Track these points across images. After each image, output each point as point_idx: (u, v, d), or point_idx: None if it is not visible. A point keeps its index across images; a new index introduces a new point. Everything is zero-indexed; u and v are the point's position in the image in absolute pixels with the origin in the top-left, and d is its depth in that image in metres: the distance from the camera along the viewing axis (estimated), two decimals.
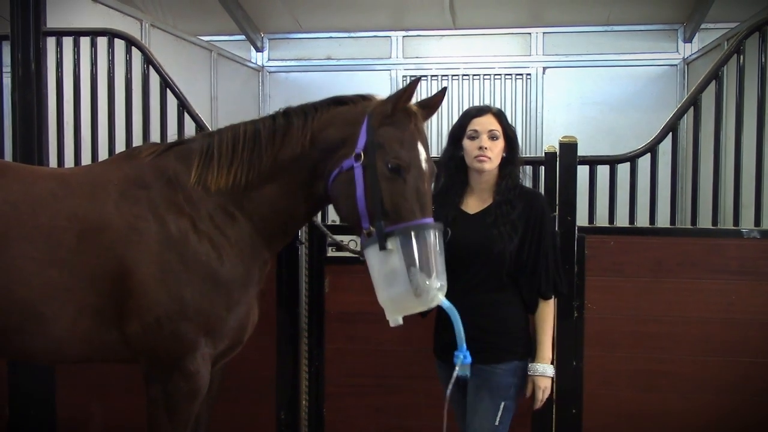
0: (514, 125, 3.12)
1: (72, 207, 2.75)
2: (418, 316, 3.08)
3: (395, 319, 2.57)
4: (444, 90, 2.82)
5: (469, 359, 2.60)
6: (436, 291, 2.50)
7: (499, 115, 3.02)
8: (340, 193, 2.69)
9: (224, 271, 2.75)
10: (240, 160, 2.79)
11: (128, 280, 2.69)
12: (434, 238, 2.54)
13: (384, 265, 2.53)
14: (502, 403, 2.91)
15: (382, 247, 2.52)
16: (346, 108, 2.78)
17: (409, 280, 2.47)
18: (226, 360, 3.00)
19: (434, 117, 7.56)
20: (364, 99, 2.79)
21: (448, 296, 2.94)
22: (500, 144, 2.98)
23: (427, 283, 2.47)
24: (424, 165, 2.66)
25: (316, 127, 2.75)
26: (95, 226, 2.72)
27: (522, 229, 2.95)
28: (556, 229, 3.65)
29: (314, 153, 2.75)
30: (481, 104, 3.11)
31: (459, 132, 3.04)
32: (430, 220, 2.59)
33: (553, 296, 3.03)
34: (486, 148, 2.94)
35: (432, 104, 2.80)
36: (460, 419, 3.12)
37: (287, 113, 2.84)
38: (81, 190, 2.80)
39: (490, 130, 2.96)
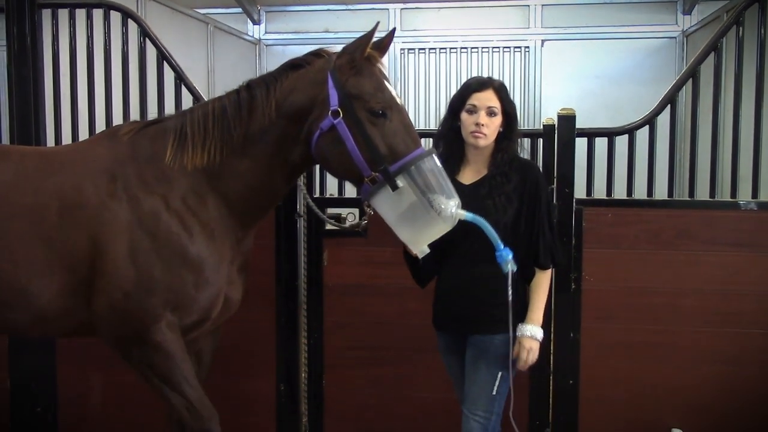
0: (512, 99, 3.11)
1: (54, 185, 2.78)
2: (417, 288, 3.14)
3: (422, 249, 2.65)
4: (393, 31, 2.82)
5: (510, 254, 2.69)
6: (456, 207, 2.57)
7: (500, 90, 3.00)
8: (330, 153, 2.69)
9: (194, 251, 2.76)
10: (212, 138, 2.78)
11: (100, 258, 2.71)
12: (436, 163, 2.60)
13: (399, 204, 2.58)
14: (500, 374, 2.94)
15: (395, 187, 2.56)
16: (304, 70, 2.78)
17: (430, 206, 2.53)
18: (194, 335, 2.99)
19: (432, 89, 7.59)
20: (317, 56, 2.79)
21: (444, 267, 3.06)
22: (498, 120, 2.98)
23: (444, 204, 2.54)
24: (399, 101, 2.70)
25: (279, 96, 2.75)
26: (73, 203, 2.75)
27: (517, 201, 2.96)
28: (554, 201, 3.66)
29: (283, 121, 2.76)
30: (484, 77, 3.10)
31: (458, 104, 3.03)
32: (423, 148, 2.64)
33: (550, 267, 3.05)
34: (482, 125, 2.94)
35: (383, 45, 2.79)
36: (458, 389, 3.15)
37: (250, 86, 2.83)
38: (63, 168, 2.83)
39: (489, 107, 2.95)
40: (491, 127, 2.96)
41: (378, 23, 2.70)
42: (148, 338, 2.75)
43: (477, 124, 2.94)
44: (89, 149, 2.93)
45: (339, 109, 2.63)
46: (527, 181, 2.98)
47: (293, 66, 2.81)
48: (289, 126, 2.76)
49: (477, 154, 3.05)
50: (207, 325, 2.98)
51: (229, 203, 2.83)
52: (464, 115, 3.00)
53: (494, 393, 2.95)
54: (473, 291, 2.99)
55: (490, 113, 2.96)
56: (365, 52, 2.68)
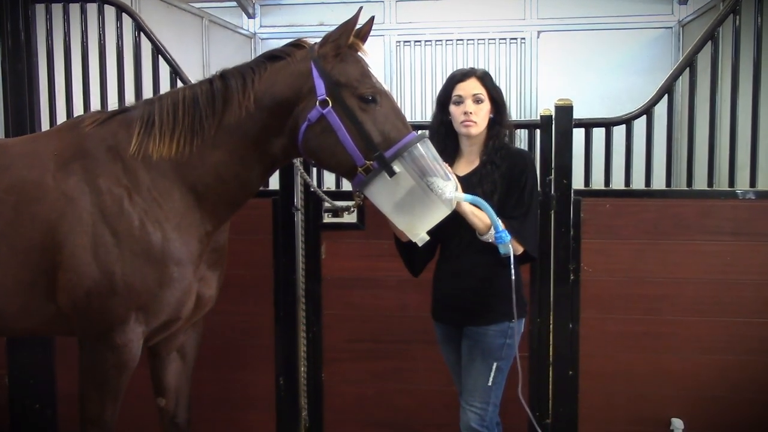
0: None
1: (10, 178, 2.69)
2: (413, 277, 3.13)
3: (422, 237, 2.60)
4: (373, 18, 2.77)
5: (509, 237, 2.68)
6: (454, 189, 2.56)
7: (484, 78, 3.01)
8: (319, 145, 2.62)
9: (158, 247, 2.65)
10: (182, 127, 2.69)
11: (59, 253, 2.62)
12: (430, 146, 2.58)
13: (396, 191, 2.54)
14: (495, 364, 2.94)
15: (392, 173, 2.51)
16: (285, 62, 2.69)
17: (429, 189, 2.51)
18: (165, 335, 2.93)
19: (428, 82, 7.55)
20: (297, 47, 2.73)
21: (440, 257, 3.09)
22: (486, 107, 2.98)
23: (443, 187, 2.51)
24: (385, 87, 2.66)
25: (258, 88, 2.67)
26: (31, 197, 2.65)
27: (501, 189, 2.93)
28: (552, 192, 3.65)
29: (263, 113, 2.67)
30: (467, 68, 3.09)
31: (445, 97, 3.05)
32: (415, 133, 2.61)
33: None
34: (471, 113, 2.94)
35: (363, 33, 2.73)
36: (457, 380, 3.16)
37: (224, 76, 2.74)
38: (21, 160, 2.73)
39: (474, 94, 2.96)
40: (480, 114, 2.96)
41: (361, 8, 2.64)
42: (110, 339, 2.67)
43: (465, 113, 2.95)
44: (49, 141, 2.81)
45: (327, 98, 2.57)
46: (515, 168, 2.96)
47: (272, 57, 2.73)
48: (270, 118, 2.68)
49: (470, 145, 3.04)
50: (179, 324, 2.89)
51: (198, 196, 2.73)
52: (452, 107, 3.01)
53: (490, 384, 2.95)
54: (468, 281, 2.99)
55: (477, 100, 2.96)
56: (349, 39, 2.62)
